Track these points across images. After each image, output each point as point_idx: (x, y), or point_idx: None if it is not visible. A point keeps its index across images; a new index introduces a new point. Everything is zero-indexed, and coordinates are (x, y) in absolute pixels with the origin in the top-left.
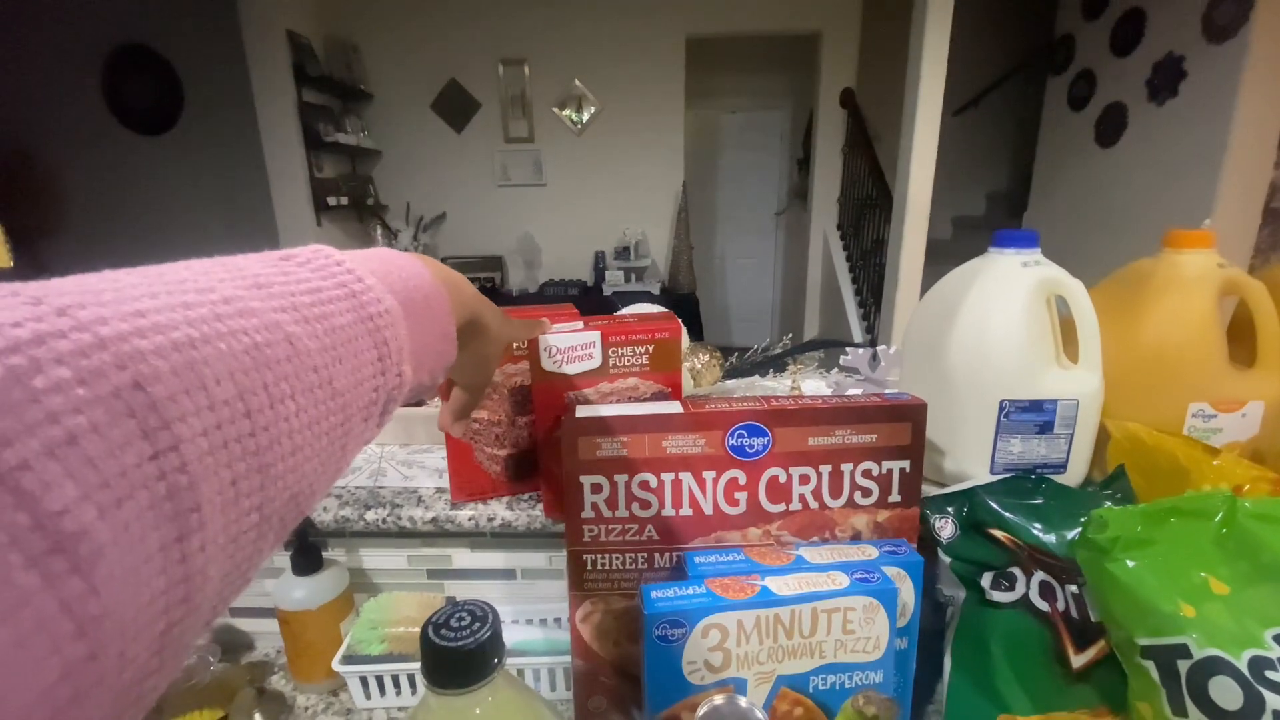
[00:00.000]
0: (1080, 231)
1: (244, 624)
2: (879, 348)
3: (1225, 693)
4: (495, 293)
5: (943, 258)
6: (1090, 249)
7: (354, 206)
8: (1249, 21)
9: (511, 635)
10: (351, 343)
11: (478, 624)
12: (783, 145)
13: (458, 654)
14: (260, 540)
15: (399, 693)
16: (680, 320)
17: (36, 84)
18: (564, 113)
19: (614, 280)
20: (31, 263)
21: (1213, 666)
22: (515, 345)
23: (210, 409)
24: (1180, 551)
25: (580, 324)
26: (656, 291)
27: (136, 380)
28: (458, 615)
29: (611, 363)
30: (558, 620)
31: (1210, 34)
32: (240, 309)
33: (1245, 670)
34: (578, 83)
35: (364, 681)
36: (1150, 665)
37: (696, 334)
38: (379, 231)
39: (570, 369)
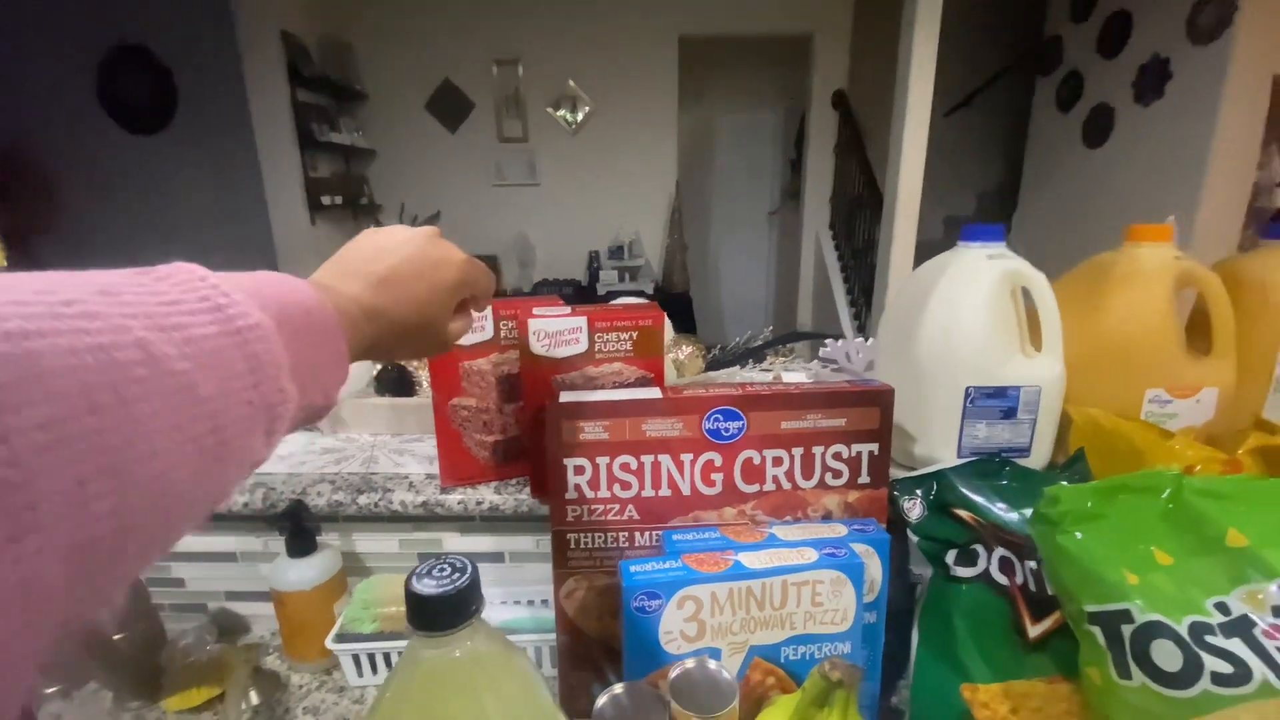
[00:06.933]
0: (1069, 231)
1: (240, 608)
2: (856, 340)
3: (1166, 655)
4: None
5: (933, 257)
6: (1079, 248)
7: (348, 206)
8: (1232, 24)
9: (500, 615)
10: (217, 354)
11: (458, 574)
12: (775, 146)
13: (441, 598)
14: (119, 550)
15: (390, 670)
16: (668, 315)
17: (32, 83)
18: (558, 113)
19: (608, 280)
20: (26, 261)
21: (1154, 630)
22: (503, 335)
23: (46, 401)
24: (1128, 525)
25: (568, 309)
26: (650, 291)
27: None
28: (440, 566)
29: (597, 348)
30: (544, 601)
31: (1195, 36)
32: (83, 311)
33: (1185, 635)
34: (571, 83)
35: (356, 659)
36: (1096, 630)
37: (690, 333)
38: None
39: (558, 353)
